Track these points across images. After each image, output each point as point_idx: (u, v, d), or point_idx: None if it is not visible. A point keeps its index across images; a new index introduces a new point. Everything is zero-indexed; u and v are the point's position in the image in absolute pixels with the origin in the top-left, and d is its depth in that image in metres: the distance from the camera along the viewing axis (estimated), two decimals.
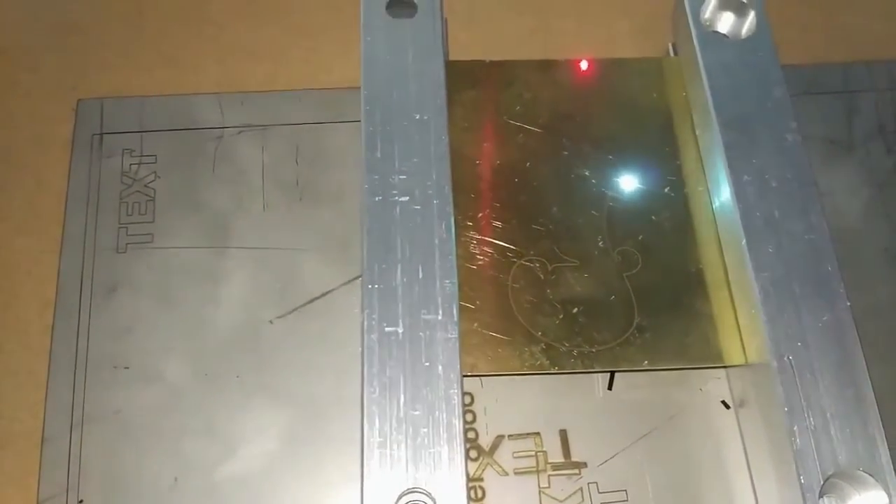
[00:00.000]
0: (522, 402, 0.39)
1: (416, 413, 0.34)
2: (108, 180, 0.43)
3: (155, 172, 0.44)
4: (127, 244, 0.42)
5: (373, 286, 0.36)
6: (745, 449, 0.39)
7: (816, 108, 0.48)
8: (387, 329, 0.35)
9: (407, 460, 0.33)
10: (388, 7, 0.42)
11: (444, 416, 0.34)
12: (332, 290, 0.41)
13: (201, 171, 0.44)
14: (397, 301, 0.35)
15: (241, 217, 0.43)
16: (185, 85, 0.47)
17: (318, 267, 0.42)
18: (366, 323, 0.35)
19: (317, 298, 0.41)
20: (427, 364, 0.34)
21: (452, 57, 0.45)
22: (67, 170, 0.43)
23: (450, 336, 0.35)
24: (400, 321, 0.35)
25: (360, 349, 0.34)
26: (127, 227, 0.42)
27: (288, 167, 0.44)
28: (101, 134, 0.44)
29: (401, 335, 0.35)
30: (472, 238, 0.40)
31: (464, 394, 0.38)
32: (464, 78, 0.44)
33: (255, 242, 0.42)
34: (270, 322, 0.40)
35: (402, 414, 0.33)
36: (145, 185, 0.43)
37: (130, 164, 0.44)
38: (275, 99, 0.46)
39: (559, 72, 0.44)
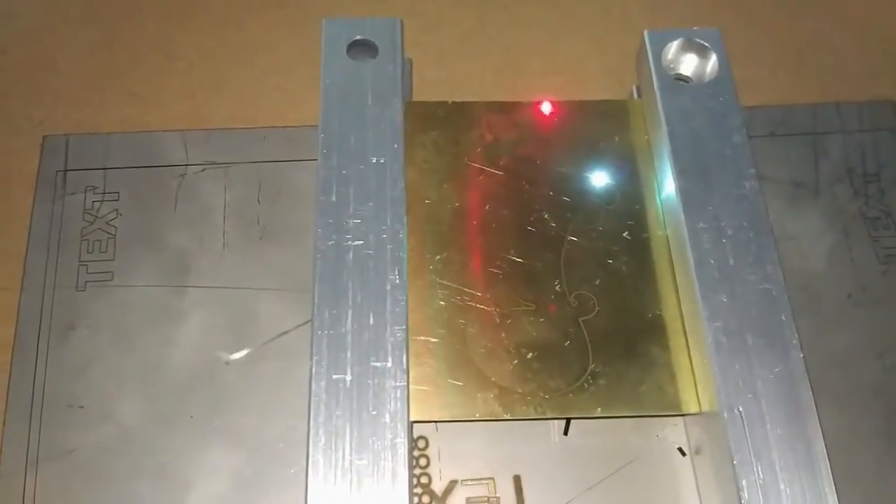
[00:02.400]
0: (477, 446, 0.39)
1: (362, 462, 0.33)
2: (70, 217, 0.43)
3: (117, 210, 0.44)
4: (87, 282, 0.42)
5: (322, 332, 0.36)
6: (699, 498, 0.38)
7: (783, 150, 0.48)
8: (334, 377, 0.35)
9: None
10: (349, 49, 0.42)
11: (390, 465, 0.33)
12: (288, 331, 0.41)
13: (163, 209, 0.44)
14: (346, 348, 0.35)
15: (200, 256, 0.43)
16: (151, 122, 0.47)
17: (275, 307, 0.42)
18: (314, 370, 0.35)
19: (272, 339, 0.41)
20: (374, 413, 0.34)
21: (420, 96, 0.45)
22: (31, 206, 0.44)
23: (398, 384, 0.35)
24: (349, 368, 0.35)
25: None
26: (87, 265, 0.42)
27: (249, 205, 0.44)
28: (66, 171, 0.45)
29: (349, 383, 0.35)
30: (428, 281, 0.40)
31: (413, 441, 0.39)
32: (426, 119, 0.44)
33: (214, 281, 0.42)
34: (226, 363, 0.40)
35: (346, 463, 0.33)
36: (107, 223, 0.43)
37: (93, 202, 0.44)
38: (239, 136, 0.46)
39: (521, 114, 0.44)
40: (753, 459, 0.34)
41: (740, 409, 0.35)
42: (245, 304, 0.42)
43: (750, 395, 0.35)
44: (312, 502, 0.33)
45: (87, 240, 0.43)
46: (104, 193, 0.44)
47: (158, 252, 0.43)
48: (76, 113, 0.47)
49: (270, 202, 0.44)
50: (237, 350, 0.41)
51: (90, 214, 0.44)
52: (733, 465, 0.34)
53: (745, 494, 0.33)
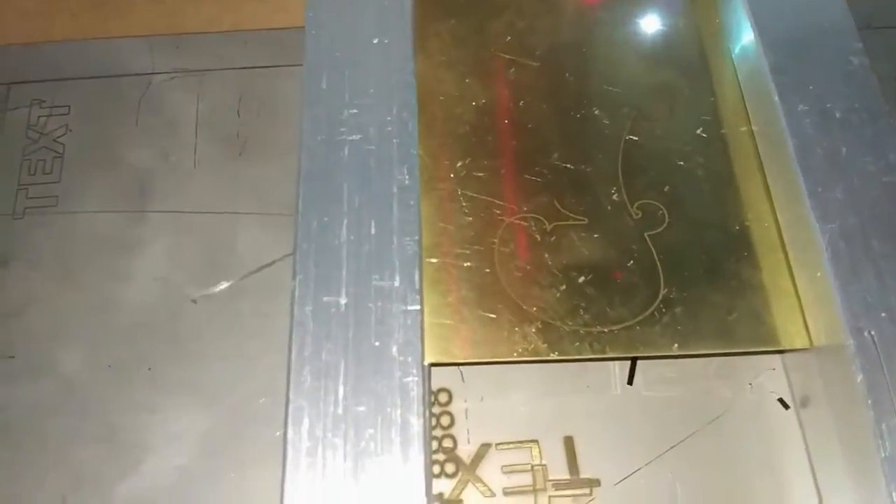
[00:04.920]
0: (516, 400, 0.31)
1: (361, 409, 0.25)
2: (11, 135, 0.36)
3: (66, 125, 0.36)
4: (25, 209, 0.34)
5: (308, 245, 0.27)
6: (810, 461, 0.30)
7: (882, 44, 0.39)
8: (325, 299, 0.27)
9: (345, 472, 0.24)
10: None
11: (399, 412, 0.25)
12: (272, 262, 0.33)
13: (122, 123, 0.36)
14: (341, 264, 0.27)
15: (165, 175, 0.35)
16: (115, 30, 0.39)
17: (256, 235, 0.33)
18: (298, 292, 0.27)
19: (252, 273, 0.33)
20: (377, 344, 0.26)
21: None
22: None
23: (409, 308, 0.26)
24: (343, 290, 0.27)
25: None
26: (27, 189, 0.34)
27: (227, 118, 0.36)
28: (9, 84, 0.37)
29: (343, 307, 0.26)
30: (447, 191, 0.31)
31: (432, 392, 0.30)
32: (441, 5, 0.36)
33: (181, 205, 0.34)
34: (193, 301, 0.32)
35: (340, 410, 0.25)
36: (54, 140, 0.36)
37: (39, 117, 0.36)
38: (216, 41, 0.38)
39: None
40: (895, 398, 0.25)
41: (872, 334, 0.26)
42: (219, 232, 0.34)
43: (883, 314, 0.27)
44: (292, 463, 0.24)
45: (30, 160, 0.35)
46: (52, 107, 0.36)
47: (114, 172, 0.35)
48: (26, 23, 0.40)
49: (253, 114, 0.36)
50: (208, 286, 0.32)
51: (34, 131, 0.36)
52: (868, 406, 0.25)
53: (887, 444, 0.25)
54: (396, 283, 0.27)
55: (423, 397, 0.25)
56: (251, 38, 0.38)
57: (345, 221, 0.28)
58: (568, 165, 0.32)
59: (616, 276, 0.30)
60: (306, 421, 0.25)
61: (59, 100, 0.36)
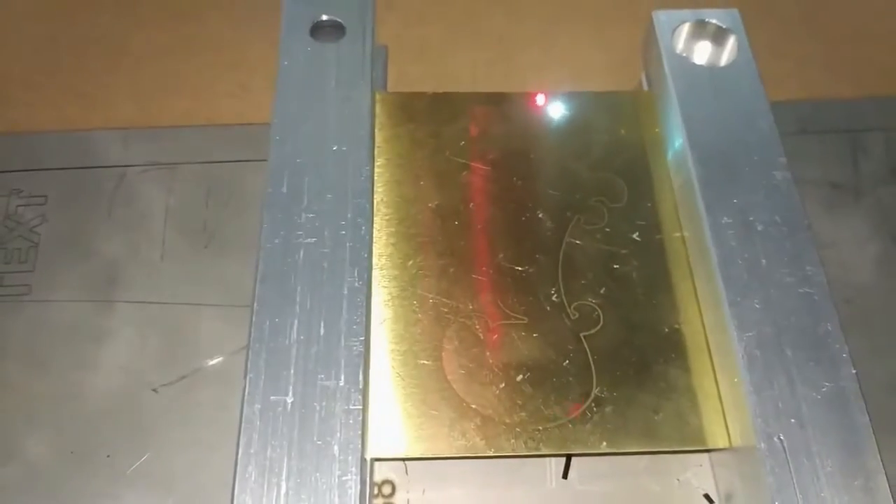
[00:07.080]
0: (456, 493, 0.32)
1: None
2: None
3: (43, 215, 0.38)
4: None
5: (260, 345, 0.29)
6: None
7: (817, 149, 0.42)
8: (272, 398, 0.28)
9: None
10: (313, 31, 0.37)
11: None
12: (234, 352, 0.35)
13: (96, 215, 0.38)
14: (289, 363, 0.29)
15: (133, 266, 0.37)
16: (94, 121, 0.41)
17: (219, 325, 0.35)
18: (248, 390, 0.28)
19: (214, 363, 0.34)
20: (319, 443, 0.28)
21: (399, 90, 0.40)
22: None
23: (352, 407, 0.28)
24: (290, 388, 0.28)
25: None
26: (2, 277, 0.36)
27: (195, 210, 0.38)
28: None
29: (290, 405, 0.28)
30: (399, 290, 0.33)
31: (375, 485, 0.32)
32: (401, 110, 0.38)
33: (147, 296, 0.36)
34: (155, 390, 0.34)
35: None
36: (30, 230, 0.37)
37: (17, 206, 0.38)
38: (189, 134, 0.40)
39: (512, 106, 0.39)
40: (801, 502, 0.27)
41: (781, 438, 0.28)
42: (182, 322, 0.35)
43: (792, 421, 0.28)
44: None
45: (6, 248, 0.37)
46: (30, 197, 0.38)
47: (86, 262, 0.37)
48: (8, 113, 0.42)
49: (220, 206, 0.38)
50: (169, 375, 0.34)
51: (11, 220, 0.38)
52: None
53: None
54: (341, 383, 0.29)
55: (362, 494, 0.27)
56: (223, 132, 0.40)
57: (296, 322, 0.30)
58: (512, 266, 0.34)
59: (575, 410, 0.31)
60: None
61: (36, 189, 0.39)
